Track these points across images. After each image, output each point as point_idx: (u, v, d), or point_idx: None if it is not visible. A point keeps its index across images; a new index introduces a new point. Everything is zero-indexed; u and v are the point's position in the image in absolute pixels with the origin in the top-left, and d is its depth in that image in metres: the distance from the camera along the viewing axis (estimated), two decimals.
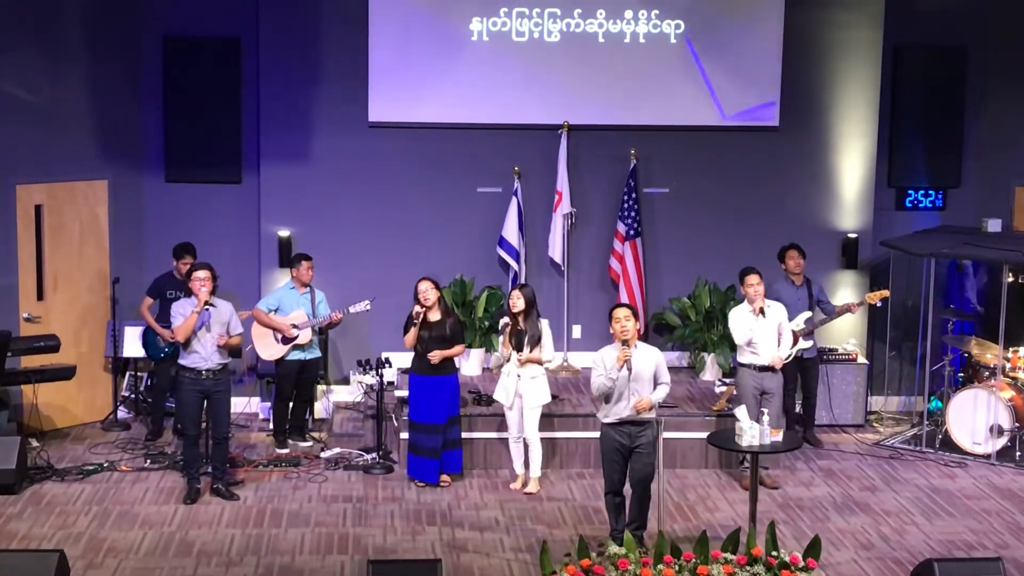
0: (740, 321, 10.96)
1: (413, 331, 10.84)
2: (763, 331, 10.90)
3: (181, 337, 10.45)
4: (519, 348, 10.83)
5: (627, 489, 9.60)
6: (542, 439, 11.05)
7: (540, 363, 10.89)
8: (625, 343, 9.39)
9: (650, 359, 9.52)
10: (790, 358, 11.25)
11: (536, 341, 10.83)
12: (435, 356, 10.83)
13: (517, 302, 10.87)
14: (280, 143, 12.74)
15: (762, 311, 10.88)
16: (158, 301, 12.15)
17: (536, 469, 10.97)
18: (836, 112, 13.16)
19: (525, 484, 10.99)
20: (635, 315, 9.57)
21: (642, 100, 12.94)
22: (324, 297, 12.00)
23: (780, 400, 11.00)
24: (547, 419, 11.19)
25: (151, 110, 12.87)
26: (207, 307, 10.43)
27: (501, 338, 11.04)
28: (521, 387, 10.88)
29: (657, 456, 9.42)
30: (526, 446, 10.99)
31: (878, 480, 11.41)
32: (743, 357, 11.02)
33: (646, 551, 8.97)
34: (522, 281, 12.90)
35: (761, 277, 11.01)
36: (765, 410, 10.12)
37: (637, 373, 9.38)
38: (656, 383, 9.52)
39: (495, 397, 11.12)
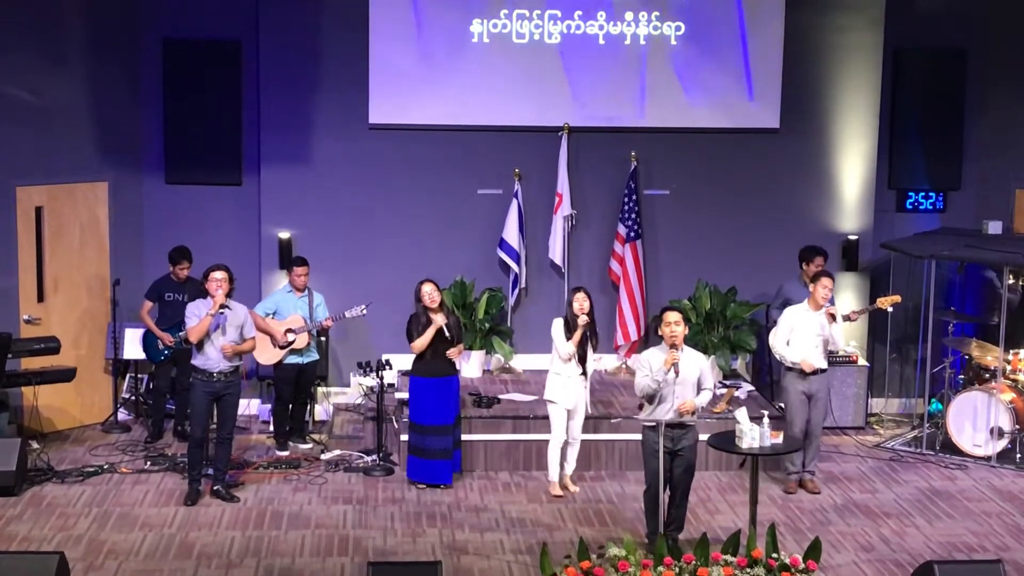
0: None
1: (427, 338, 10.78)
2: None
3: (194, 339, 10.43)
4: (583, 354, 10.73)
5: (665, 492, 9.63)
6: (542, 441, 11.08)
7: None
8: (673, 346, 9.41)
9: (695, 364, 9.54)
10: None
11: (596, 345, 10.88)
12: (454, 353, 10.86)
13: (585, 304, 10.65)
14: (280, 145, 12.74)
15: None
16: (157, 304, 12.15)
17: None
18: (837, 114, 13.16)
19: (565, 487, 10.96)
20: (686, 319, 9.56)
21: (642, 102, 12.94)
22: (323, 300, 12.00)
23: (827, 403, 11.16)
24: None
25: (151, 112, 12.87)
26: (222, 310, 10.42)
27: (569, 337, 10.60)
28: (581, 391, 10.87)
29: (659, 460, 9.41)
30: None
31: (878, 482, 11.40)
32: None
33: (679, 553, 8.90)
34: (522, 284, 12.92)
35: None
36: (765, 412, 10.13)
37: (682, 377, 9.41)
38: (700, 388, 9.55)
39: (556, 399, 10.74)
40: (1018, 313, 12.57)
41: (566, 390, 10.75)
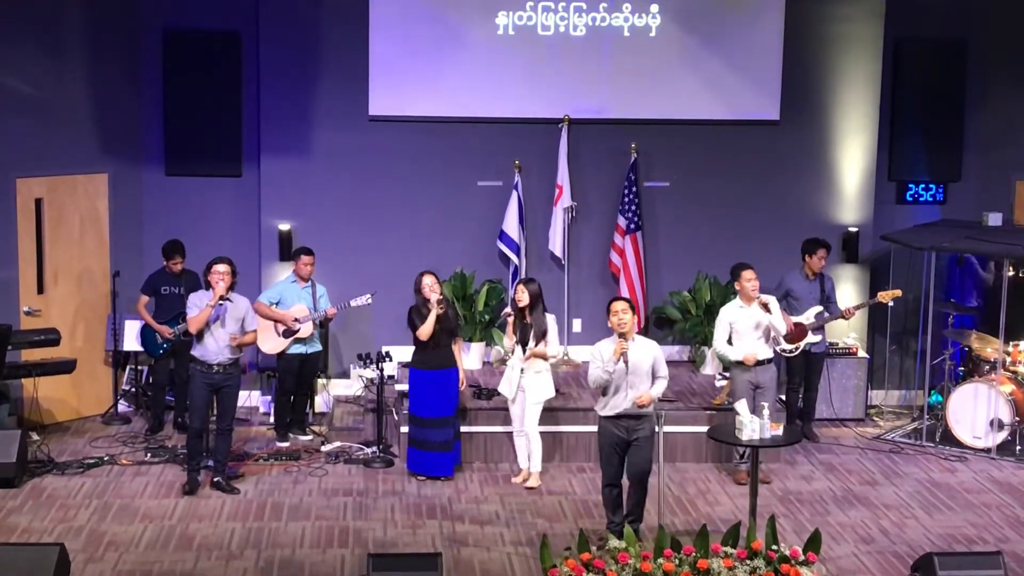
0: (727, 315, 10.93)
1: (431, 322, 10.79)
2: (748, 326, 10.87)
3: (194, 329, 10.44)
4: (524, 343, 10.82)
5: (624, 482, 9.61)
6: (543, 433, 11.06)
7: (545, 358, 10.87)
8: (622, 336, 9.40)
9: (648, 352, 9.52)
10: (797, 351, 11.30)
11: (542, 336, 10.80)
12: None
13: (522, 296, 10.83)
14: (280, 136, 12.74)
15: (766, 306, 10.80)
16: (153, 298, 12.14)
17: (537, 464, 10.96)
18: (837, 106, 13.15)
19: (527, 479, 10.99)
20: (632, 308, 9.55)
21: (643, 94, 12.94)
22: (325, 291, 12.00)
23: (774, 394, 10.97)
24: (548, 413, 11.17)
25: (151, 103, 12.86)
26: (223, 301, 10.42)
27: (505, 330, 11.01)
28: (524, 382, 10.87)
29: (657, 450, 9.43)
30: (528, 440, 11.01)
31: (878, 474, 11.41)
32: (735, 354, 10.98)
33: (642, 545, 8.97)
34: (522, 276, 12.90)
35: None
36: (764, 404, 10.11)
37: (635, 366, 9.39)
38: (654, 377, 9.52)
39: (499, 390, 11.12)
40: (1016, 303, 12.55)
41: (508, 381, 10.95)
